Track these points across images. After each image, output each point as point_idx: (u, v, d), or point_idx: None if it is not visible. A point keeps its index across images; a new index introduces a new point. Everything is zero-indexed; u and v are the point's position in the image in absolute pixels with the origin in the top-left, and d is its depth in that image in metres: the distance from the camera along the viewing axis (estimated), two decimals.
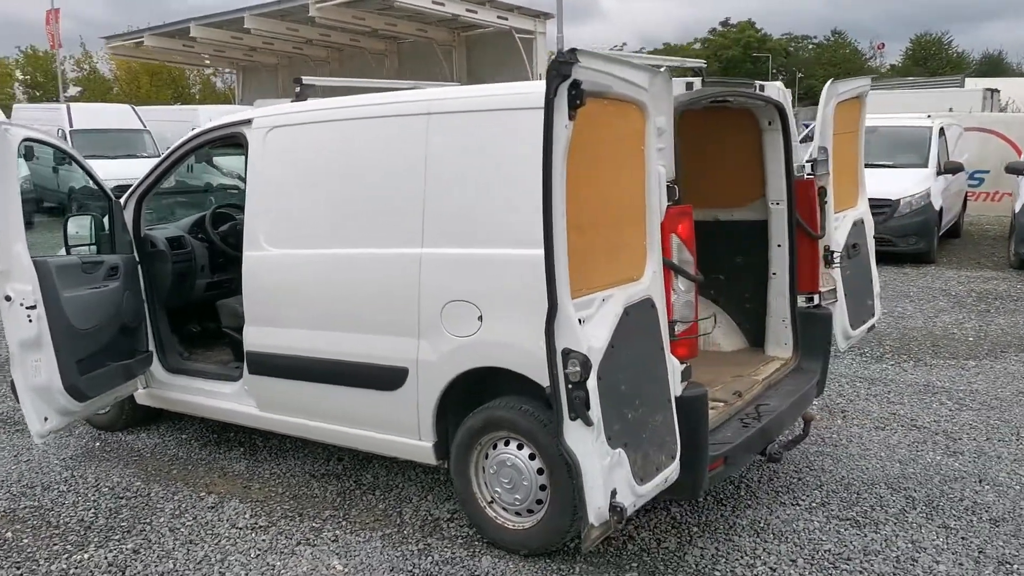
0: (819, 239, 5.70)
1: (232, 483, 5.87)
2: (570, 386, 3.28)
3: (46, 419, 5.42)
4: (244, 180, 5.72)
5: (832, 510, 5.22)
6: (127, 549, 4.97)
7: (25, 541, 5.11)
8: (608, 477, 3.39)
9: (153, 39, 37.41)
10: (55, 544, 5.06)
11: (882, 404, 7.20)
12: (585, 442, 3.33)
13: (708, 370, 5.45)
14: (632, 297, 3.71)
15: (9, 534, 5.22)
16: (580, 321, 3.41)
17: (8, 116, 26.58)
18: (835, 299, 5.84)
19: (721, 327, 6.15)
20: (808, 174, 5.70)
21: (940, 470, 5.81)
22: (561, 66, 3.14)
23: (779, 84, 5.62)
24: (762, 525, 5.03)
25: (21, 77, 66.69)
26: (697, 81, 4.60)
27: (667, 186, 4.07)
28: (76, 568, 4.77)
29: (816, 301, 5.76)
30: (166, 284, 6.44)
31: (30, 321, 5.20)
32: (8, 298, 5.20)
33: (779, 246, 5.73)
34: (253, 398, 5.69)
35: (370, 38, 30.55)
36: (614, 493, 3.42)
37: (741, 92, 5.11)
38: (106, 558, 4.87)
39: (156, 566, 4.77)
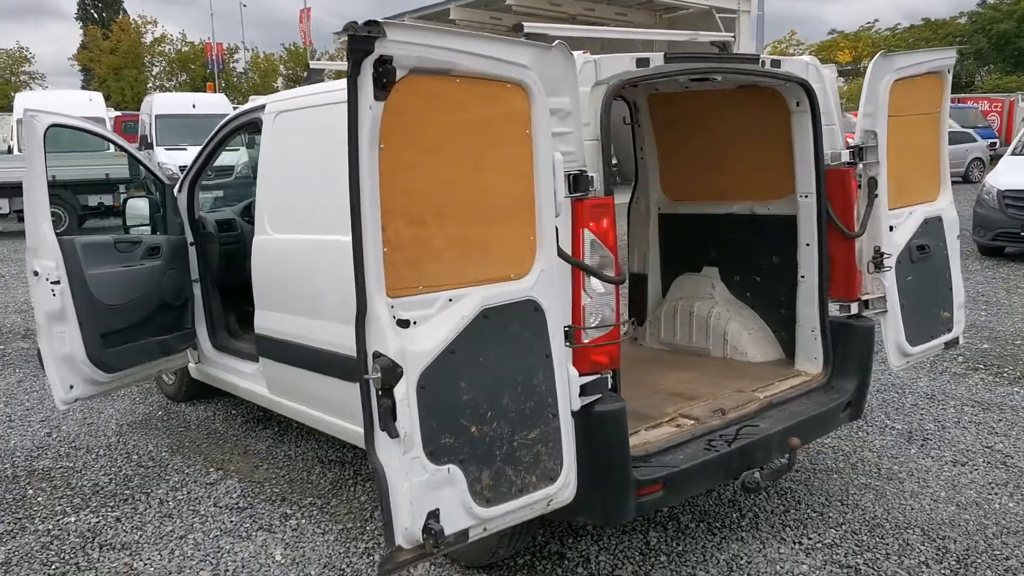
0: (855, 238, 4.90)
1: (245, 462, 6.01)
2: (379, 392, 2.99)
3: (72, 387, 5.77)
4: None
5: (837, 554, 4.49)
6: (111, 516, 5.20)
7: (39, 499, 5.49)
8: (424, 495, 3.06)
9: None
10: (58, 505, 5.40)
11: (980, 435, 6.14)
12: (393, 455, 3.02)
13: (711, 381, 4.88)
14: (498, 298, 3.32)
15: (30, 491, 5.63)
16: (408, 322, 3.09)
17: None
18: (884, 309, 5.01)
19: (752, 334, 5.47)
20: (847, 162, 4.90)
21: (1002, 519, 4.84)
22: (360, 40, 2.84)
23: (808, 59, 4.86)
24: (742, 562, 4.43)
25: (284, 72, 72.76)
26: (655, 57, 4.07)
27: (576, 175, 3.62)
28: (58, 529, 5.05)
29: (854, 310, 4.96)
30: (216, 264, 6.67)
31: (54, 295, 5.55)
32: (36, 273, 5.58)
33: (807, 245, 4.99)
34: (264, 379, 5.77)
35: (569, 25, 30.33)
36: (435, 514, 3.08)
37: (725, 69, 4.46)
38: (88, 523, 5.12)
39: (125, 535, 4.95)
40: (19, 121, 19.58)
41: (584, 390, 3.71)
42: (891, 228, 5.07)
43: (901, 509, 5.00)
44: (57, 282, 5.58)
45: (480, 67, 3.21)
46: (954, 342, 5.52)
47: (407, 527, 3.02)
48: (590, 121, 3.81)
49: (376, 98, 2.89)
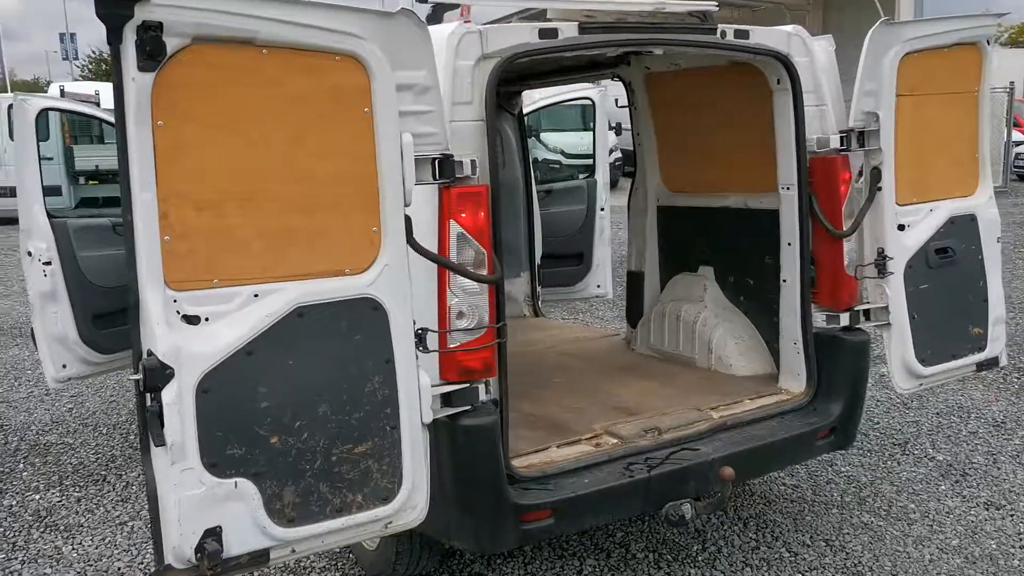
0: (842, 238, 4.20)
1: None
2: (147, 395, 2.73)
3: (64, 366, 5.86)
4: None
5: None
6: (73, 497, 5.25)
7: (24, 475, 5.64)
8: (199, 511, 2.76)
9: None
10: (35, 481, 5.51)
11: None
12: (162, 465, 2.74)
13: (673, 395, 4.39)
14: (322, 295, 2.97)
15: (21, 465, 5.79)
16: (198, 318, 2.81)
17: None
18: (887, 321, 4.28)
19: (740, 344, 4.84)
20: (838, 149, 4.21)
21: None
22: (115, 4, 2.57)
23: (791, 28, 4.19)
24: None
25: None
26: (567, 28, 3.59)
27: (440, 159, 3.22)
28: (20, 507, 5.14)
29: (844, 321, 4.27)
30: None
31: (45, 276, 5.65)
32: (29, 253, 5.71)
33: (789, 245, 4.33)
34: None
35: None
36: (214, 532, 2.79)
37: (664, 41, 3.87)
38: (50, 502, 5.19)
39: (74, 517, 4.98)
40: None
41: (449, 400, 3.32)
42: (901, 227, 4.32)
43: (894, 557, 4.27)
44: (49, 263, 5.66)
45: (295, 37, 2.87)
46: (991, 362, 4.67)
47: (176, 545, 2.75)
48: (472, 100, 3.40)
49: (141, 69, 2.61)
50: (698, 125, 5.11)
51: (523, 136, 6.57)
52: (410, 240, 3.15)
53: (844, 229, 4.20)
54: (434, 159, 3.22)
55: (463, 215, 3.29)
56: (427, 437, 3.23)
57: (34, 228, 5.62)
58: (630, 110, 5.48)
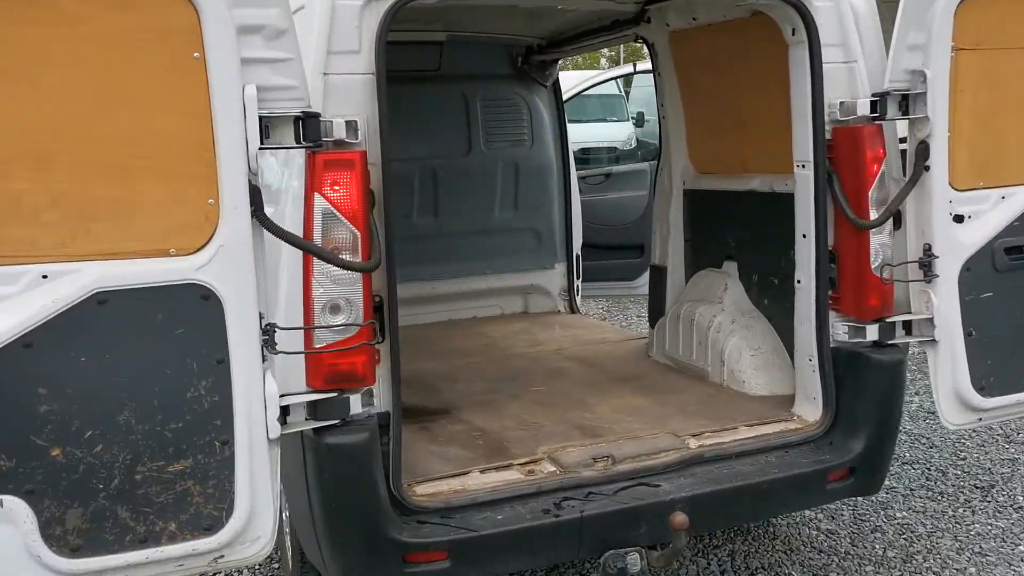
0: (866, 229, 3.32)
1: None
2: None
3: None
4: None
5: None
6: None
7: None
8: None
9: None
10: None
11: None
12: None
13: (656, 415, 3.68)
14: (132, 279, 2.44)
15: None
16: None
17: None
18: (933, 337, 3.37)
19: (757, 357, 4.01)
20: (868, 117, 3.32)
21: None
22: None
23: None
24: None
25: None
26: None
27: (301, 118, 2.64)
28: None
29: (871, 335, 3.38)
30: None
31: None
32: None
33: (804, 237, 3.48)
34: None
35: None
36: None
37: None
38: None
39: None
40: None
41: (315, 411, 2.75)
42: (959, 218, 3.39)
43: None
44: None
45: None
46: None
47: None
48: (360, 48, 2.80)
49: None
50: (725, 92, 4.29)
51: (559, 112, 5.86)
52: (259, 215, 2.59)
53: (870, 218, 3.31)
54: (297, 118, 2.64)
55: (332, 187, 2.70)
56: (275, 456, 2.66)
57: None
58: (654, 77, 4.70)
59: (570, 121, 6.02)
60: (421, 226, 5.59)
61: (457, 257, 5.70)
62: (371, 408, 2.84)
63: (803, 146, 3.41)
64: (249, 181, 2.58)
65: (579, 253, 6.03)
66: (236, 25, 2.51)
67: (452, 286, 5.76)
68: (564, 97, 5.99)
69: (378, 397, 2.89)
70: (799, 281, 3.52)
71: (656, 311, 4.77)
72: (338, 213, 2.70)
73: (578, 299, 6.06)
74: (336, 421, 2.76)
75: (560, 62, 5.82)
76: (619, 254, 6.68)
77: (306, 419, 2.77)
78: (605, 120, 18.31)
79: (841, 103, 3.34)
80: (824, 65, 3.32)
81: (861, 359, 3.41)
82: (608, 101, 22.77)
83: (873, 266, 3.36)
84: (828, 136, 3.39)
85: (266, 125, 2.61)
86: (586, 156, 8.36)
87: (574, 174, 5.99)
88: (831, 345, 3.45)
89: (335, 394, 2.75)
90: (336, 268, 2.71)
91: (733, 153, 4.28)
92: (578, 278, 6.04)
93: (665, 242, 4.72)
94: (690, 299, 4.46)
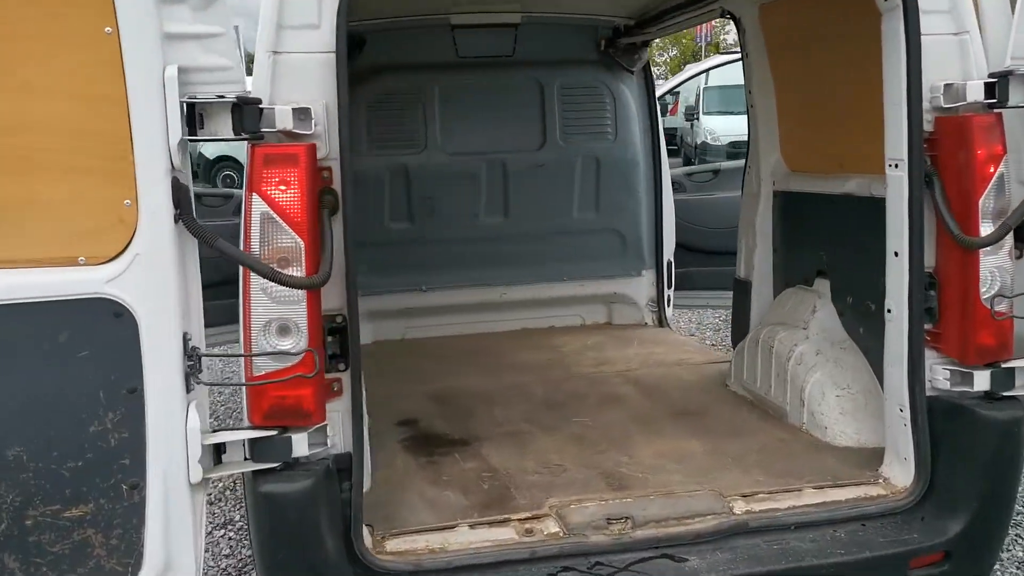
0: (975, 248, 2.58)
1: None
2: None
3: None
4: None
5: None
6: None
7: None
8: None
9: None
10: None
11: None
12: None
13: (707, 466, 3.11)
14: (22, 291, 2.09)
15: None
16: None
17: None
18: None
19: (844, 398, 3.30)
20: (984, 103, 2.58)
21: None
22: None
23: None
24: None
25: None
26: None
27: (235, 104, 2.21)
28: None
29: (980, 384, 2.64)
30: None
31: None
32: None
33: (896, 255, 2.76)
34: None
35: None
36: None
37: None
38: None
39: None
40: None
41: (255, 452, 2.33)
42: None
43: None
44: None
45: None
46: None
47: None
48: (319, 23, 2.34)
49: None
50: (820, 74, 3.57)
51: (650, 101, 5.23)
52: (185, 219, 2.19)
53: (981, 234, 2.57)
54: (233, 103, 2.21)
55: (273, 187, 2.25)
56: (200, 503, 2.26)
57: None
58: (742, 59, 4.01)
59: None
60: (489, 226, 5.12)
61: (531, 261, 5.19)
62: (324, 449, 2.39)
63: (896, 140, 2.70)
64: (175, 179, 2.19)
65: (671, 260, 5.38)
66: None
67: (526, 292, 5.26)
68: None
69: (336, 435, 2.44)
70: (889, 310, 2.80)
71: (739, 333, 4.11)
72: (278, 217, 2.25)
73: (668, 311, 5.42)
74: (276, 464, 2.32)
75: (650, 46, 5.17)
76: (726, 260, 5.98)
77: (244, 460, 2.34)
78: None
79: (947, 86, 2.61)
80: (925, 37, 2.60)
81: (966, 413, 2.67)
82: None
83: (983, 295, 2.61)
84: (929, 128, 2.66)
85: (199, 113, 2.21)
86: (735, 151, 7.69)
87: (667, 171, 5.34)
88: (928, 393, 2.73)
89: (275, 432, 2.31)
90: (274, 283, 2.26)
91: (829, 148, 3.57)
92: (669, 287, 5.40)
93: (751, 252, 4.04)
94: (773, 321, 3.78)
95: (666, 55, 69.47)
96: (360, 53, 4.82)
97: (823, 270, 3.59)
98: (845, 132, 3.40)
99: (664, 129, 5.42)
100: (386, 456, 3.27)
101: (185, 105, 2.17)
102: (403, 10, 4.76)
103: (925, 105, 2.64)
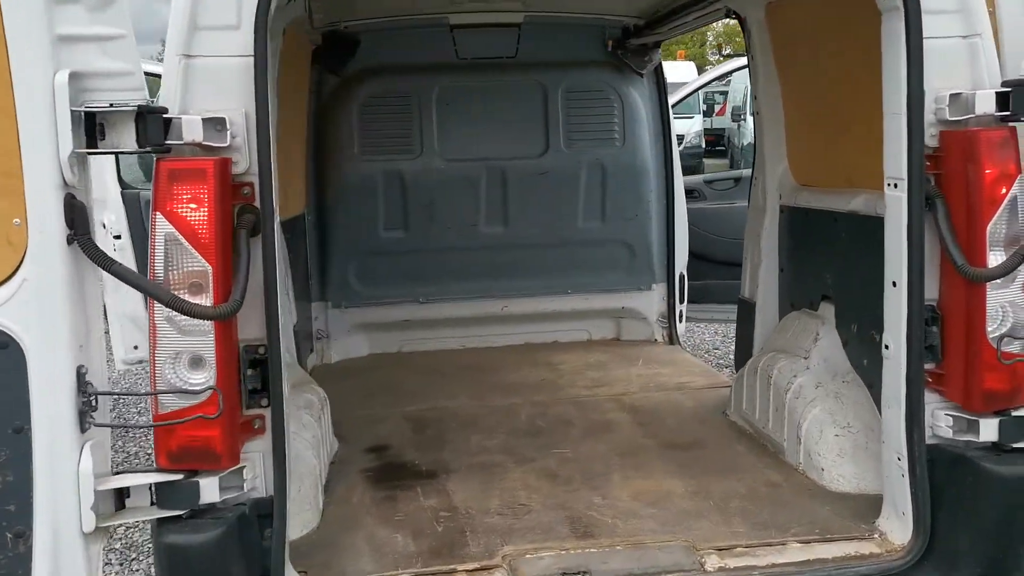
0: (981, 281, 2.27)
1: None
2: None
3: (136, 347, 5.46)
4: None
5: None
6: None
7: None
8: None
9: None
10: None
11: None
12: None
13: (685, 510, 2.84)
14: None
15: None
16: None
17: None
18: None
19: (843, 438, 2.99)
20: (996, 116, 2.27)
21: None
22: None
23: None
24: None
25: None
26: None
27: (138, 112, 2.00)
28: None
29: (987, 434, 2.33)
30: None
31: (114, 250, 5.26)
32: (103, 225, 5.34)
33: (893, 285, 2.46)
34: None
35: None
36: None
37: None
38: None
39: None
40: None
41: (159, 498, 2.11)
42: None
43: None
44: (118, 236, 5.25)
45: None
46: None
47: None
48: (239, 23, 2.12)
49: None
50: (828, 80, 3.26)
51: (661, 105, 4.94)
52: (80, 240, 1.99)
53: (989, 265, 2.26)
54: (138, 113, 2.01)
55: (178, 205, 2.04)
56: (95, 555, 2.06)
57: (108, 199, 5.22)
58: (748, 62, 3.71)
59: None
60: (489, 236, 4.88)
61: (533, 273, 4.94)
62: (240, 494, 2.17)
63: (896, 157, 2.40)
64: (69, 196, 1.99)
65: (683, 273, 5.09)
66: None
67: (528, 306, 5.00)
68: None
69: (257, 478, 2.22)
70: (887, 346, 2.50)
71: (742, 357, 3.81)
72: (183, 239, 2.03)
73: (680, 327, 5.12)
74: (182, 512, 2.11)
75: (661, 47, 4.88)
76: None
77: (151, 505, 2.13)
78: None
79: (953, 96, 2.30)
80: (929, 41, 2.30)
81: (970, 466, 2.36)
82: None
83: (990, 333, 2.30)
84: (934, 144, 2.36)
85: (100, 123, 2.01)
86: None
87: (679, 179, 5.04)
88: (929, 441, 2.42)
89: (181, 476, 2.10)
90: (179, 313, 2.04)
91: (837, 161, 3.26)
92: (681, 302, 5.10)
93: (755, 271, 3.74)
94: (774, 348, 3.48)
95: (718, 55, 68.57)
96: (354, 54, 4.62)
97: (828, 294, 3.28)
98: (853, 143, 3.08)
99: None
100: (345, 489, 3.06)
101: (83, 115, 1.98)
102: (399, 9, 4.55)
103: (929, 117, 2.34)
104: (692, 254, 5.28)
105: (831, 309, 3.25)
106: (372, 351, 4.99)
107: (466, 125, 4.77)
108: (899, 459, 2.46)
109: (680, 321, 5.14)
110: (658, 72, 4.92)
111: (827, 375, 3.13)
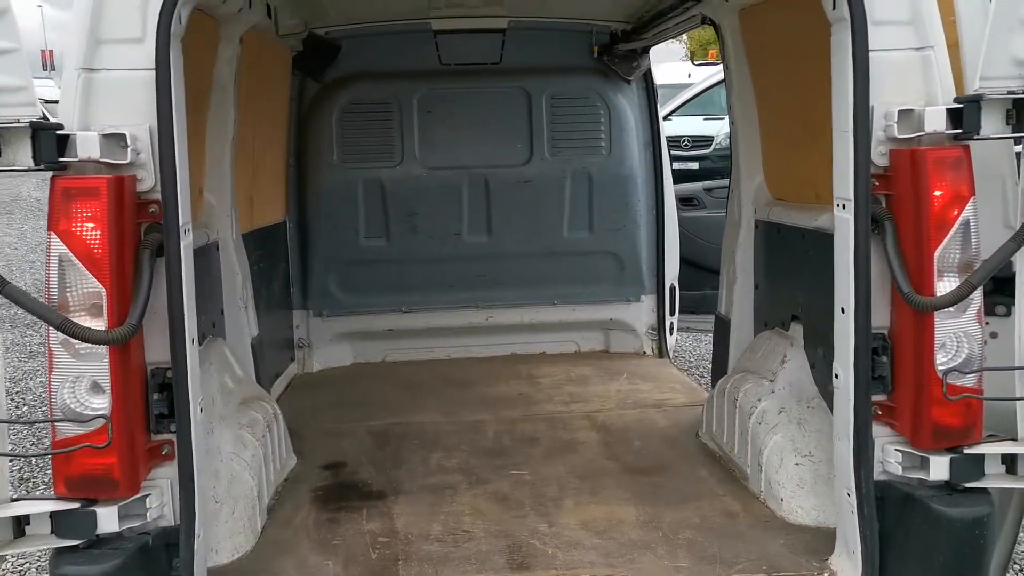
0: (928, 310, 2.12)
1: None
2: None
3: None
4: None
5: None
6: None
7: None
8: None
9: None
10: None
11: None
12: None
13: (629, 542, 2.74)
14: None
15: None
16: None
17: None
18: None
19: (805, 467, 2.85)
20: (956, 135, 2.13)
21: None
22: None
23: None
24: None
25: None
26: None
27: (35, 129, 1.94)
28: None
29: (938, 472, 2.19)
30: None
31: None
32: None
33: (842, 311, 2.32)
34: None
35: None
36: None
37: None
38: None
39: None
40: None
41: (57, 527, 2.05)
42: None
43: None
44: None
45: None
46: None
47: None
48: (143, 36, 2.05)
49: None
50: (803, 89, 3.11)
51: (651, 112, 4.80)
52: None
53: (937, 292, 2.12)
54: (34, 128, 1.94)
55: (71, 225, 1.97)
56: None
57: None
58: (724, 70, 3.57)
59: None
60: (472, 245, 4.78)
61: (518, 283, 4.84)
62: (142, 523, 2.10)
63: (844, 176, 2.27)
64: None
65: (674, 284, 4.95)
66: None
67: (513, 316, 4.90)
68: None
69: (165, 506, 2.15)
70: (836, 375, 2.37)
71: (718, 377, 3.67)
72: (76, 260, 1.96)
73: (671, 339, 4.99)
74: (79, 542, 2.04)
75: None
76: None
77: (50, 534, 2.07)
78: None
79: (902, 112, 2.16)
80: (878, 53, 2.17)
81: (919, 506, 2.21)
82: None
83: (939, 366, 2.15)
84: (884, 163, 2.22)
85: None
86: None
87: (669, 188, 4.90)
88: (878, 477, 2.29)
89: (78, 505, 2.03)
90: (73, 337, 1.97)
91: (807, 174, 3.11)
92: (672, 314, 4.96)
93: (731, 288, 3.60)
94: (743, 368, 3.34)
95: None
96: (334, 60, 4.55)
97: (798, 314, 3.13)
98: (821, 156, 2.93)
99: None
100: (290, 509, 2.98)
101: None
102: (381, 15, 4.47)
103: (879, 135, 2.21)
104: (690, 263, 5.14)
105: (800, 330, 3.11)
106: (356, 360, 4.92)
107: (448, 132, 4.68)
108: (848, 494, 2.32)
109: (671, 333, 5.00)
110: (647, 78, 4.79)
111: (792, 400, 2.99)
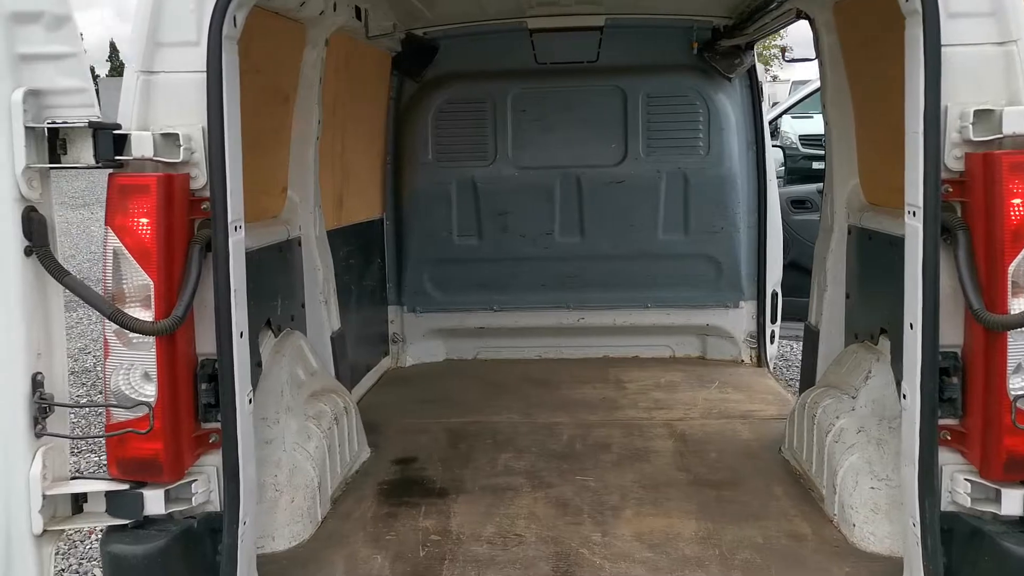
0: (1002, 329, 1.94)
1: None
2: None
3: None
4: None
5: None
6: None
7: None
8: None
9: None
10: None
11: None
12: None
13: (668, 561, 2.72)
14: None
15: None
16: None
17: None
18: None
19: (880, 491, 2.67)
20: None
21: None
22: None
23: None
24: None
25: None
26: None
27: (95, 130, 2.04)
28: None
29: (1011, 507, 2.01)
30: None
31: None
32: None
33: (911, 327, 2.16)
34: None
35: None
36: None
37: None
38: None
39: None
40: None
41: (109, 506, 2.16)
42: None
43: None
44: None
45: None
46: None
47: None
48: (198, 39, 2.12)
49: None
50: (898, 89, 2.91)
51: (755, 112, 4.62)
52: (38, 252, 2.05)
53: (1010, 311, 1.94)
54: (95, 129, 2.05)
55: (124, 220, 2.07)
56: (47, 556, 2.12)
57: None
58: (819, 68, 3.39)
59: None
60: (564, 246, 4.74)
61: (611, 285, 4.77)
62: (187, 507, 2.18)
63: (914, 181, 2.11)
64: (28, 209, 2.05)
65: (776, 290, 4.76)
66: (8, 12, 1.98)
67: (605, 318, 4.83)
68: None
69: (211, 492, 2.23)
70: (904, 396, 2.20)
71: (805, 387, 3.49)
72: (128, 254, 2.06)
73: (771, 348, 4.79)
74: (128, 521, 2.14)
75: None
76: None
77: (104, 512, 2.18)
78: None
79: (980, 112, 1.98)
80: (953, 48, 2.00)
81: (988, 542, 2.03)
82: None
83: (1012, 391, 1.97)
84: (959, 167, 2.05)
85: (62, 138, 2.07)
86: None
87: (773, 191, 4.71)
88: (946, 508, 2.12)
89: (127, 486, 2.13)
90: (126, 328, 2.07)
91: (900, 179, 2.91)
92: (773, 322, 4.77)
93: (821, 296, 3.41)
94: (827, 383, 3.16)
95: None
96: (431, 60, 4.61)
97: (886, 327, 2.94)
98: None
99: None
100: (353, 502, 3.04)
101: (46, 131, 2.04)
102: (477, 15, 4.49)
103: (953, 137, 2.04)
104: (799, 268, 4.92)
105: (888, 345, 2.92)
106: (448, 357, 4.97)
107: (541, 131, 4.66)
108: (913, 524, 2.16)
109: (771, 342, 4.81)
110: (751, 75, 4.61)
111: (873, 419, 2.81)
